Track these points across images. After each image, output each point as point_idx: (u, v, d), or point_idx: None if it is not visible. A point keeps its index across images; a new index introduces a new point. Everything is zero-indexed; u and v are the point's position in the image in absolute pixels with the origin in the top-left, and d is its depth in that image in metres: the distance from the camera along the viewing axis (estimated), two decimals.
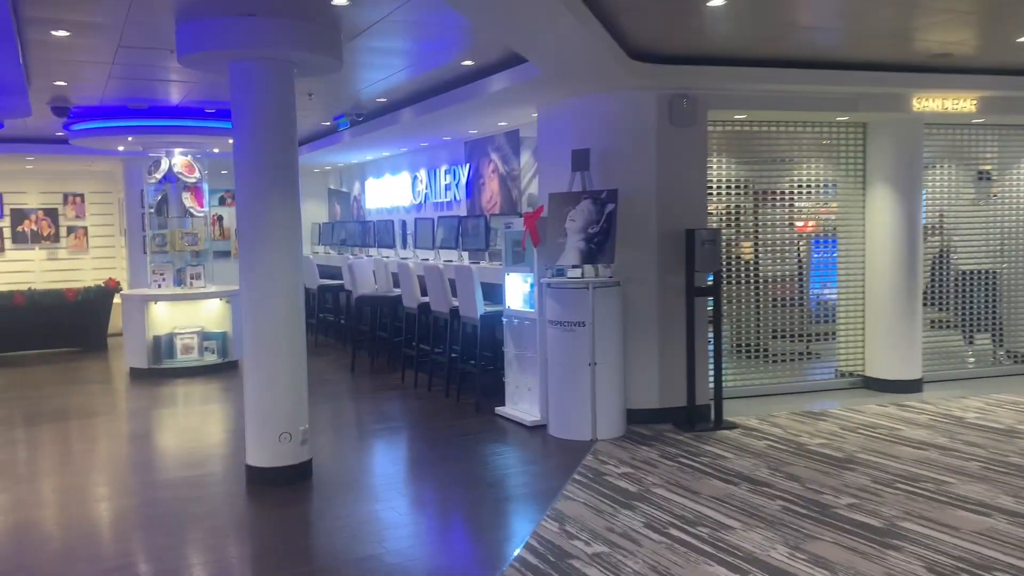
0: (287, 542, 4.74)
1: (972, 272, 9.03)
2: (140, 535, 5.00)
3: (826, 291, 8.55)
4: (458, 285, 8.05)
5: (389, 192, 14.08)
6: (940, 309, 8.96)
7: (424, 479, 6.06)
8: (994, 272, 9.08)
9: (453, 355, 8.39)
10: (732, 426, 6.98)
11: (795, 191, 8.33)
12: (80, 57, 6.55)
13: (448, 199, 12.06)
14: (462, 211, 11.44)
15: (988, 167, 9.01)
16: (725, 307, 7.91)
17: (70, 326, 12.06)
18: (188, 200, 10.72)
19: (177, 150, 10.56)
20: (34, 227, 14.28)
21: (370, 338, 10.61)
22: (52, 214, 14.38)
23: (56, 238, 14.42)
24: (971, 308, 9.04)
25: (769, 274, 8.32)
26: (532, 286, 7.18)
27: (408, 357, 9.32)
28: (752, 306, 8.26)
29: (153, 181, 10.70)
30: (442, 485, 5.82)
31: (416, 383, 9.04)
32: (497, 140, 10.61)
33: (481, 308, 7.82)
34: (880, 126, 8.26)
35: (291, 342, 5.74)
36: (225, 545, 4.84)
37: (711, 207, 7.72)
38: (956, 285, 8.98)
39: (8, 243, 14.13)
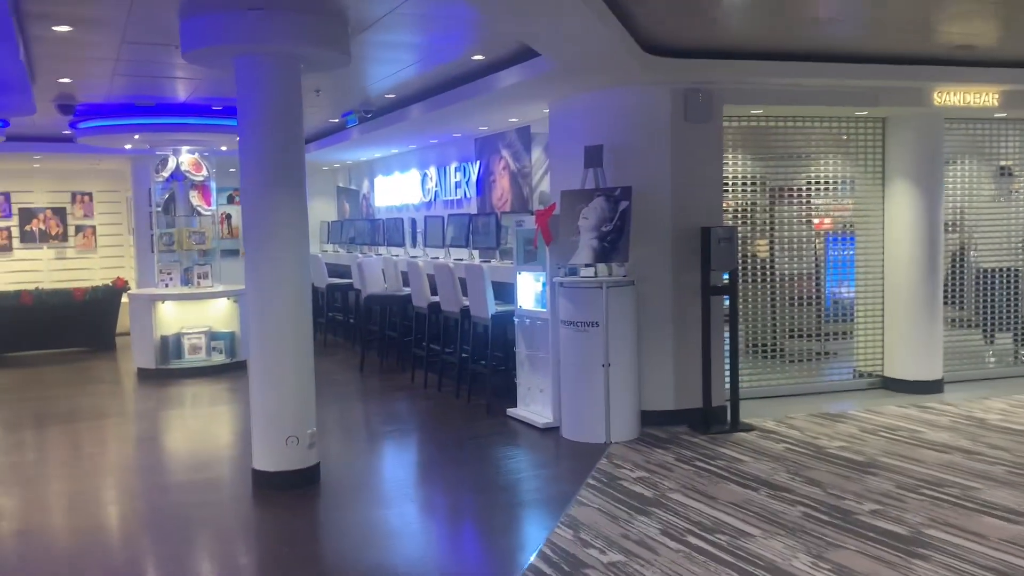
0: (294, 549, 4.62)
1: (992, 270, 8.83)
2: (146, 542, 4.89)
3: (843, 289, 8.38)
4: (469, 284, 7.92)
5: (398, 190, 13.95)
6: (959, 308, 8.77)
7: (434, 483, 5.93)
8: (1015, 270, 8.88)
9: (464, 355, 8.26)
10: (749, 428, 6.83)
11: (812, 188, 8.16)
12: (84, 53, 6.44)
13: (458, 197, 11.92)
14: (472, 209, 11.30)
15: (1009, 162, 8.81)
16: (740, 306, 7.75)
17: (78, 326, 11.98)
18: (195, 198, 10.61)
19: (184, 148, 10.46)
20: (42, 226, 14.22)
21: (379, 338, 10.49)
22: (60, 213, 14.32)
23: (64, 237, 14.35)
24: (991, 307, 8.84)
25: (786, 272, 8.16)
26: (544, 285, 7.04)
27: (418, 357, 9.20)
28: (768, 305, 8.09)
29: (160, 179, 10.60)
30: (453, 489, 5.69)
31: (426, 383, 8.92)
32: (508, 136, 10.47)
33: (492, 308, 7.68)
34: (900, 121, 8.07)
35: (298, 343, 5.61)
36: (231, 553, 4.72)
37: (726, 204, 7.55)
38: (975, 283, 8.79)
39: (16, 242, 14.07)
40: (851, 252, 8.32)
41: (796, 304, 8.19)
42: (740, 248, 7.62)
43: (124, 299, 11.89)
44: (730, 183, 7.69)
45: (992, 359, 8.92)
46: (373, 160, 14.78)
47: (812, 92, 7.39)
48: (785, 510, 4.92)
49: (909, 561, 4.16)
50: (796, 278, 8.21)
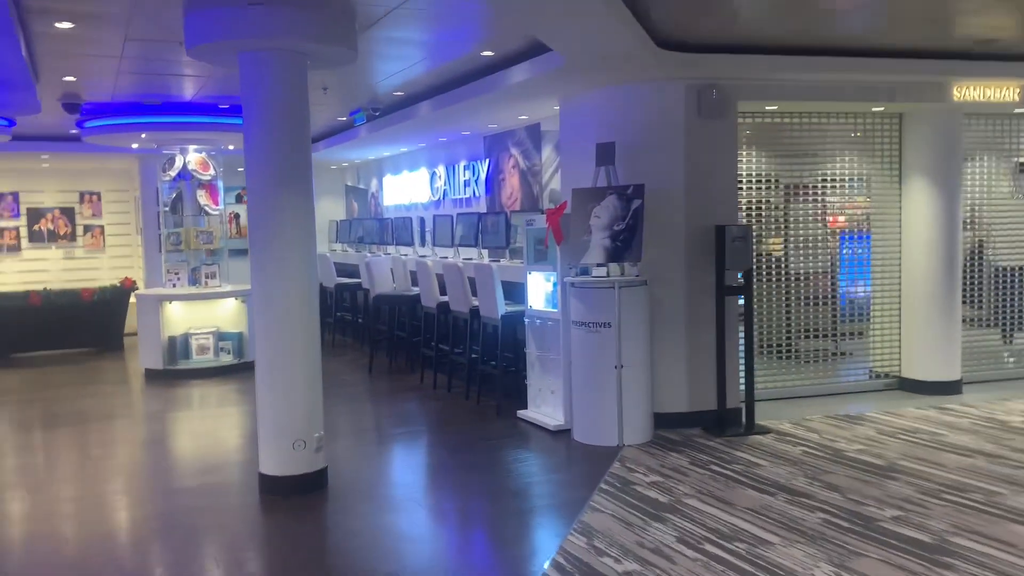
0: (300, 557, 4.51)
1: (1010, 268, 8.66)
2: (150, 548, 4.80)
3: (858, 288, 8.22)
4: (478, 284, 7.80)
5: (407, 189, 13.85)
6: (977, 307, 8.60)
7: (444, 488, 5.82)
8: None
9: (473, 356, 8.14)
10: (765, 431, 6.69)
11: (827, 185, 8.01)
12: (87, 51, 6.36)
13: (467, 195, 11.81)
14: (481, 208, 11.19)
15: None
16: (755, 306, 7.60)
17: (86, 326, 11.93)
18: (203, 198, 10.53)
19: (191, 147, 10.38)
20: (51, 226, 14.18)
21: (388, 338, 10.39)
22: (69, 213, 14.27)
23: (73, 237, 14.31)
24: (1009, 306, 8.67)
25: (801, 270, 8.01)
26: (555, 285, 6.92)
27: (427, 358, 9.08)
28: (782, 304, 7.94)
29: (167, 179, 10.53)
30: (463, 495, 5.57)
31: (435, 384, 8.81)
32: (518, 134, 10.35)
33: (502, 308, 7.56)
34: (917, 116, 7.91)
35: (305, 345, 5.50)
36: (236, 560, 4.62)
37: (739, 202, 7.40)
38: (992, 282, 8.62)
39: (25, 242, 14.04)
40: (866, 250, 8.17)
41: (810, 303, 8.04)
42: (755, 247, 7.48)
43: (132, 299, 11.84)
44: (744, 181, 7.55)
45: (1011, 359, 8.75)
46: (381, 159, 14.68)
47: (828, 88, 7.24)
48: (804, 516, 4.79)
49: (935, 571, 4.03)
50: (811, 277, 8.06)
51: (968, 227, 8.42)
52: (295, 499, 5.37)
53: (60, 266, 14.10)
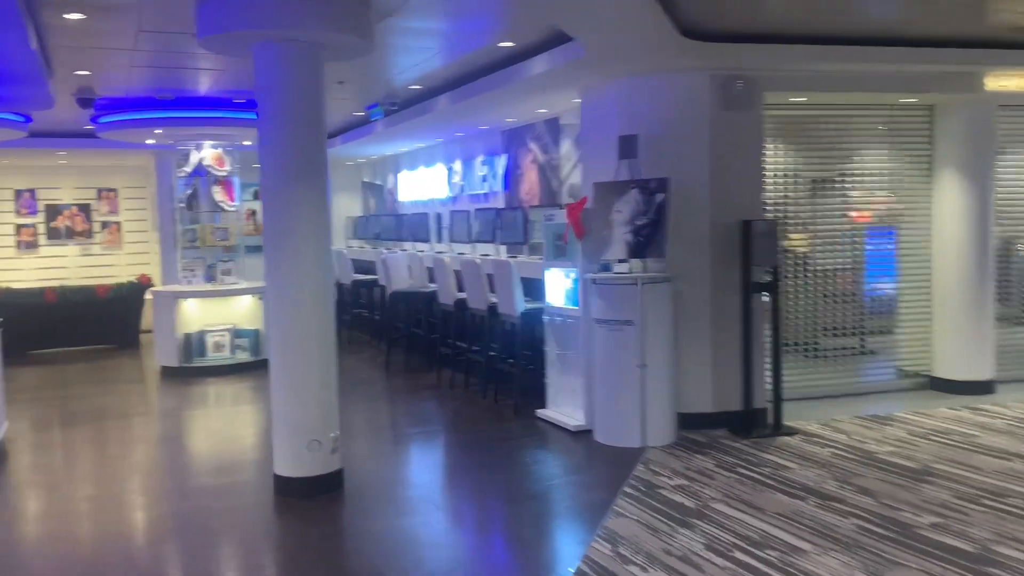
0: (315, 562, 4.38)
1: None
2: (163, 551, 4.68)
3: (886, 285, 7.99)
4: (496, 280, 7.64)
5: (424, 184, 13.71)
6: (1007, 304, 8.34)
7: (462, 490, 5.67)
8: None
9: (491, 354, 7.99)
10: (792, 432, 6.49)
11: (854, 179, 7.79)
12: (99, 43, 6.24)
13: (484, 191, 11.65)
14: (499, 203, 11.03)
15: None
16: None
17: (102, 323, 11.87)
18: (219, 194, 10.43)
19: (207, 143, 10.28)
20: (68, 223, 14.15)
21: (405, 335, 10.26)
22: (86, 210, 14.24)
23: (90, 234, 14.27)
24: None
25: (828, 266, 7.79)
26: (575, 282, 6.74)
27: (444, 355, 8.94)
28: (808, 301, 7.73)
29: (183, 175, 10.44)
30: (481, 497, 5.43)
31: (452, 383, 8.67)
32: (536, 128, 10.18)
33: (521, 305, 7.40)
34: (949, 108, 7.68)
35: (320, 344, 5.36)
36: (250, 565, 4.49)
37: (764, 197, 7.20)
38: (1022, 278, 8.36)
39: (43, 239, 14.01)
40: (894, 246, 7.93)
41: (837, 300, 7.82)
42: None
43: (148, 296, 11.77)
44: (770, 175, 7.35)
45: None
46: (398, 154, 14.55)
47: (857, 78, 7.03)
48: (838, 522, 4.60)
49: None
50: (837, 273, 7.84)
51: (1001, 222, 8.17)
52: (310, 501, 5.24)
53: (78, 263, 14.07)
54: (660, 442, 6.26)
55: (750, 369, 6.60)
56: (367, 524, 4.88)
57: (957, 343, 7.78)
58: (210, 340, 10.17)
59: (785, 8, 5.88)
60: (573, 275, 6.77)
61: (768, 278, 6.61)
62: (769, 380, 6.69)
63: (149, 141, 10.78)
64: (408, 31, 6.26)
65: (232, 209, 10.53)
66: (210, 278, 10.38)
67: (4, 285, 11.87)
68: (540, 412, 7.19)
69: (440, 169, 13.05)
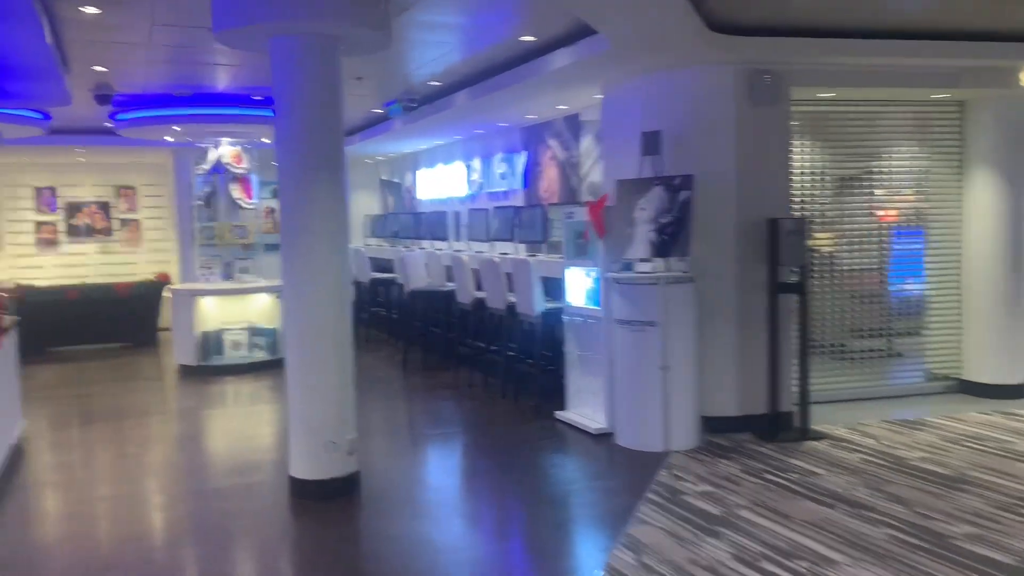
0: (331, 564, 4.27)
1: None
2: (181, 551, 4.60)
3: (913, 285, 7.79)
4: (515, 279, 7.52)
5: (442, 182, 13.62)
6: None
7: (480, 494, 5.56)
8: None
9: (510, 354, 7.87)
10: (819, 436, 6.32)
11: (883, 177, 7.60)
12: (115, 38, 6.18)
13: (503, 189, 11.53)
14: (518, 201, 10.90)
15: None
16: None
17: (121, 321, 11.86)
18: (237, 192, 10.38)
19: (225, 140, 10.23)
20: (88, 220, 14.16)
21: (423, 334, 10.16)
22: (105, 207, 14.25)
23: (109, 232, 14.28)
24: None
25: (855, 266, 7.61)
26: (596, 281, 6.61)
27: (462, 355, 8.83)
28: (835, 302, 7.55)
29: (201, 172, 10.39)
30: (500, 502, 5.31)
31: (470, 382, 8.55)
32: (556, 125, 10.05)
33: (540, 304, 7.28)
34: (981, 104, 7.47)
35: (337, 343, 5.26)
36: (266, 567, 4.40)
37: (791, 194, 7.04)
38: None
39: (63, 237, 14.04)
40: (922, 246, 7.73)
41: (863, 301, 7.64)
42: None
43: (166, 294, 11.75)
44: (796, 172, 7.17)
45: None
46: (417, 152, 14.47)
47: (887, 73, 6.84)
48: (869, 531, 4.44)
49: None
50: (864, 273, 7.66)
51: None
52: (326, 504, 5.14)
53: (98, 260, 14.08)
54: (683, 446, 6.11)
55: (776, 371, 6.44)
56: (383, 529, 4.77)
57: (988, 346, 7.58)
58: (228, 338, 10.11)
59: (813, 1, 5.72)
60: (594, 274, 6.64)
61: (795, 278, 6.44)
62: (796, 383, 6.52)
63: (167, 138, 10.75)
64: (426, 25, 6.16)
65: (250, 207, 10.48)
66: (227, 276, 10.33)
67: (27, 282, 11.89)
68: (559, 414, 7.06)
69: (459, 167, 12.95)
